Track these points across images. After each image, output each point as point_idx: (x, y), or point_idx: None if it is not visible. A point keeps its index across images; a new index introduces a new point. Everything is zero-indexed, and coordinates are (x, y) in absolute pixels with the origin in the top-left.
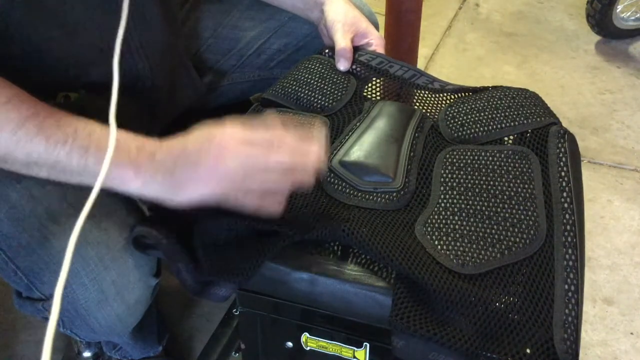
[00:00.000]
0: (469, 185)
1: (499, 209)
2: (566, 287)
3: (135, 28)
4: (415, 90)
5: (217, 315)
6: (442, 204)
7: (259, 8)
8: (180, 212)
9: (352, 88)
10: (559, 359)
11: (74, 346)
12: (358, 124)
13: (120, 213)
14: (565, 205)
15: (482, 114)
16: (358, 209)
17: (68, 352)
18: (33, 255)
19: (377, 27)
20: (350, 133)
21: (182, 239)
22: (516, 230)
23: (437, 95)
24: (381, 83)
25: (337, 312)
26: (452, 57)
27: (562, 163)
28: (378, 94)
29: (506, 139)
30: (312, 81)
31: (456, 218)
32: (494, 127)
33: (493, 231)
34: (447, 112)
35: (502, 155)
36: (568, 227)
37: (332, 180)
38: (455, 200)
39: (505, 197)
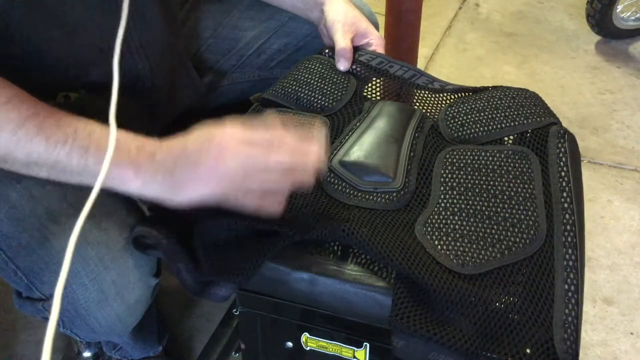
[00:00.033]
0: (469, 185)
1: (499, 209)
2: (566, 287)
3: (135, 28)
4: (415, 90)
5: (217, 315)
6: (442, 204)
7: (259, 8)
8: (180, 212)
9: (352, 88)
10: (559, 359)
11: (73, 346)
12: (358, 124)
13: (120, 213)
14: (565, 205)
15: (482, 114)
16: (358, 209)
17: (68, 352)
18: (33, 255)
19: (377, 27)
20: (350, 133)
21: (182, 239)
22: (516, 230)
23: (437, 95)
24: (381, 83)
25: (337, 312)
26: (452, 57)
27: (562, 163)
28: (378, 94)
29: (506, 139)
30: (312, 81)
31: (456, 218)
32: (494, 127)
33: (493, 231)
34: (447, 112)
35: (502, 155)
36: (568, 227)
37: (332, 180)
38: (455, 200)
39: (505, 197)
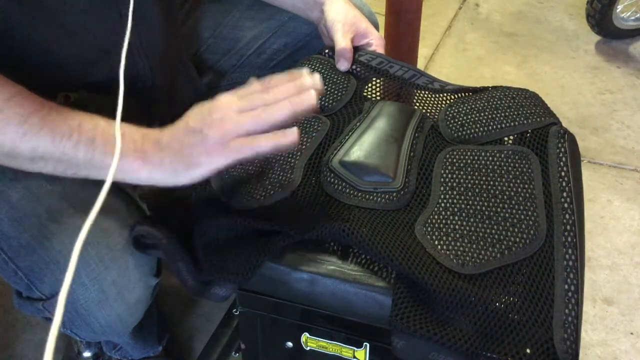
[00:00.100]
0: (469, 185)
1: (499, 209)
2: (566, 287)
3: (135, 28)
4: (415, 90)
5: (217, 315)
6: (442, 204)
7: (259, 8)
8: (181, 211)
9: (352, 88)
10: (559, 359)
11: (74, 346)
12: (358, 124)
13: (121, 213)
14: (565, 205)
15: (482, 114)
16: (358, 209)
17: (68, 352)
18: (33, 255)
19: (377, 27)
20: (350, 133)
21: (182, 238)
22: (516, 230)
23: (437, 95)
24: (381, 83)
25: (337, 312)
26: (452, 57)
27: (562, 163)
28: (378, 94)
29: (506, 139)
30: None
31: (456, 218)
32: (494, 127)
33: (493, 231)
34: (447, 112)
35: (502, 155)
36: (568, 227)
37: (332, 180)
38: (455, 200)
39: (505, 197)
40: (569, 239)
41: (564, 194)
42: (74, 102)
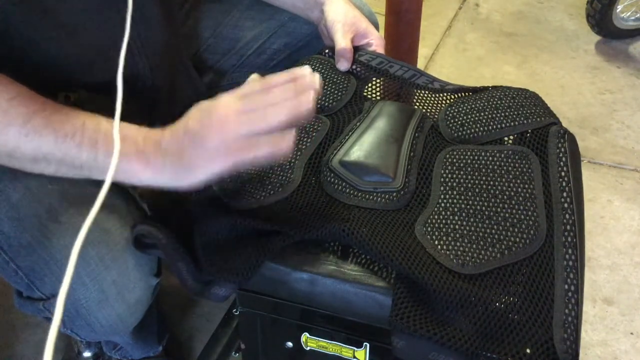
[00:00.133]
0: (469, 185)
1: (499, 209)
2: (566, 287)
3: (135, 28)
4: (415, 90)
5: (217, 315)
6: (442, 204)
7: (259, 8)
8: (181, 211)
9: (352, 88)
10: (559, 359)
11: (74, 346)
12: (358, 123)
13: (121, 212)
14: (565, 205)
15: (482, 114)
16: (358, 209)
17: (68, 352)
18: (34, 255)
19: (377, 27)
20: (350, 133)
21: (182, 238)
22: (516, 230)
23: (437, 95)
24: (381, 83)
25: (337, 312)
26: (452, 57)
27: (562, 163)
28: (378, 94)
29: (506, 139)
30: None
31: (456, 218)
32: (494, 127)
33: (493, 231)
34: (447, 112)
35: (502, 155)
36: (568, 227)
37: (332, 180)
38: (455, 200)
39: (505, 197)
40: (569, 239)
41: (564, 194)
42: (74, 102)
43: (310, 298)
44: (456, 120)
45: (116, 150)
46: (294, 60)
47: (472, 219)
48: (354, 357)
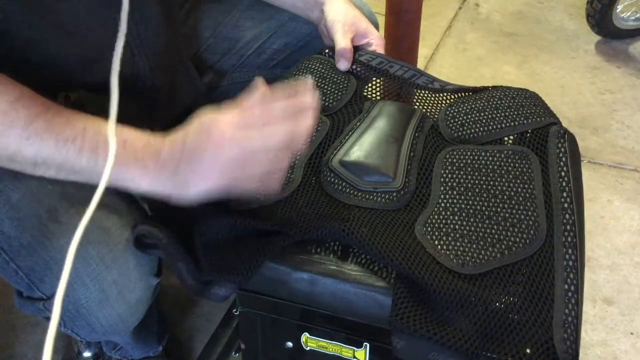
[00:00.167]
0: (469, 185)
1: (499, 209)
2: (566, 287)
3: (135, 28)
4: (415, 90)
5: (217, 315)
6: (442, 204)
7: (259, 8)
8: (181, 211)
9: (352, 88)
10: (559, 359)
11: (74, 346)
12: (358, 123)
13: (121, 212)
14: (565, 205)
15: (482, 113)
16: (358, 208)
17: (68, 352)
18: (34, 255)
19: (377, 27)
20: (351, 133)
21: (183, 238)
22: (516, 230)
23: (437, 95)
24: (381, 83)
25: (337, 312)
26: (452, 57)
27: (562, 163)
28: (378, 93)
29: (506, 139)
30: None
31: (456, 218)
32: (494, 127)
33: (493, 231)
34: (447, 112)
35: (502, 155)
36: (568, 227)
37: (332, 180)
38: (455, 200)
39: (505, 197)
40: (569, 239)
41: (564, 194)
42: (73, 102)
43: (310, 298)
44: (456, 120)
45: (111, 153)
46: (294, 60)
47: (472, 219)
48: (354, 357)
